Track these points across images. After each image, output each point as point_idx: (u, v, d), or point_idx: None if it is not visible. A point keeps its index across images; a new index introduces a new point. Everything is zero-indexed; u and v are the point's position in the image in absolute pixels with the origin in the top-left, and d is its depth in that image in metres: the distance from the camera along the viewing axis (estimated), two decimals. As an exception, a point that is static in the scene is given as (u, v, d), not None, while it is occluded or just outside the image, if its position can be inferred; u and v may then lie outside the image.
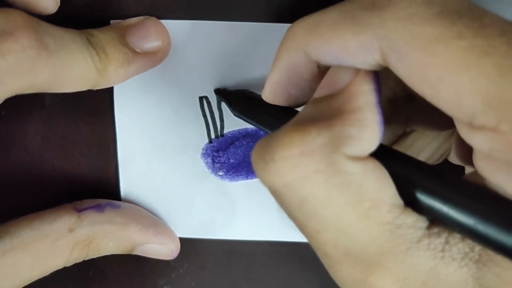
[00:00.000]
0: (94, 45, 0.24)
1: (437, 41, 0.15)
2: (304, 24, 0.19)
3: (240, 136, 0.29)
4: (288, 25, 0.26)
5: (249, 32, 0.27)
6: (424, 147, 0.24)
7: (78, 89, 0.25)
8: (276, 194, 0.18)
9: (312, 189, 0.17)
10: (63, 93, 0.28)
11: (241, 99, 0.25)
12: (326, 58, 0.18)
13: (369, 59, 0.17)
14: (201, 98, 0.28)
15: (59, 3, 0.25)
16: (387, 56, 0.17)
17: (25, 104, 0.29)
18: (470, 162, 0.22)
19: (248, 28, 0.27)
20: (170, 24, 0.27)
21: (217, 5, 0.27)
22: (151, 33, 0.26)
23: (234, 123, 0.29)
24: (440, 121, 0.22)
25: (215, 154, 0.29)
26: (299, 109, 0.22)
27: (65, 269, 0.27)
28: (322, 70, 0.19)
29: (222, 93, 0.27)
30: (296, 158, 0.17)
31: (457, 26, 0.15)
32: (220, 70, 0.28)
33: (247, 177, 0.29)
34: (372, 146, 0.17)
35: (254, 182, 0.30)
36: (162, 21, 0.27)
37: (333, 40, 0.18)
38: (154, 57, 0.26)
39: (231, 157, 0.29)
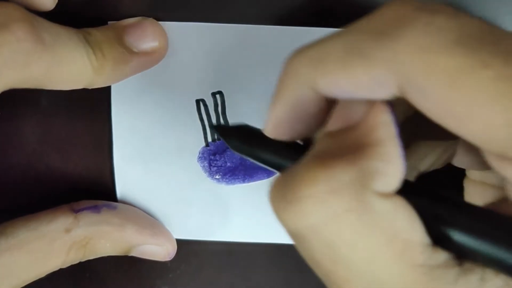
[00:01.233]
0: (91, 43, 0.24)
1: (460, 73, 0.14)
2: (306, 58, 0.17)
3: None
4: (286, 27, 0.27)
5: (246, 35, 0.27)
6: (428, 153, 0.23)
7: (74, 87, 0.25)
8: (299, 237, 0.16)
9: (342, 230, 0.15)
10: (59, 94, 0.28)
11: (241, 135, 0.23)
12: (336, 93, 0.17)
13: (385, 93, 0.16)
14: (198, 101, 0.28)
15: (56, 0, 0.25)
16: (405, 90, 0.15)
17: (21, 105, 0.29)
18: (480, 167, 0.22)
19: (245, 30, 0.27)
20: (168, 26, 0.27)
21: (215, 7, 0.27)
22: (149, 34, 0.26)
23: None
24: (447, 133, 0.22)
25: (212, 157, 0.29)
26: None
27: (61, 271, 0.27)
28: (331, 102, 0.18)
29: (221, 130, 0.26)
30: (324, 196, 0.15)
31: (480, 54, 0.14)
32: (217, 72, 0.28)
33: (243, 181, 0.29)
34: (397, 182, 0.16)
35: (251, 185, 0.30)
36: (160, 22, 0.27)
37: (343, 76, 0.16)
38: (151, 58, 0.27)
39: (228, 161, 0.29)
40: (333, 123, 0.18)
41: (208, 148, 0.29)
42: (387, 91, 0.16)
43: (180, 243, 0.30)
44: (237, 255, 0.30)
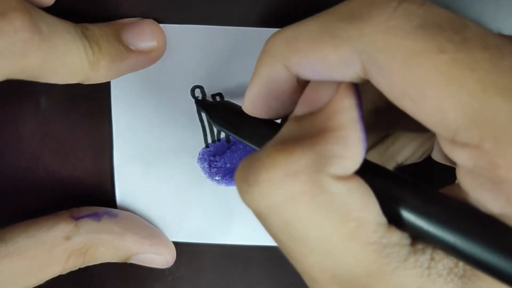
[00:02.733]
0: (88, 38, 0.24)
1: (418, 55, 0.15)
2: (282, 37, 0.18)
3: (236, 141, 0.29)
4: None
5: (245, 37, 0.27)
6: (405, 145, 0.24)
7: (69, 81, 0.24)
8: (261, 217, 0.17)
9: (297, 211, 0.16)
10: (58, 96, 0.28)
11: (222, 111, 0.25)
12: (305, 72, 0.18)
13: (349, 73, 0.17)
14: (197, 102, 0.28)
15: None
16: (367, 70, 0.16)
17: (20, 108, 0.29)
18: (452, 162, 0.22)
19: (244, 33, 0.27)
20: (167, 28, 0.27)
21: (213, 10, 0.27)
22: (147, 33, 0.26)
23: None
24: (420, 125, 0.22)
25: (212, 158, 0.29)
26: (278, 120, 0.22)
27: (60, 275, 0.27)
28: (302, 84, 0.19)
29: (202, 104, 0.27)
30: (281, 180, 0.16)
31: (438, 39, 0.15)
32: (217, 74, 0.28)
33: (243, 182, 0.29)
34: (356, 164, 0.17)
35: (250, 187, 0.30)
36: (160, 25, 0.27)
37: (312, 54, 0.17)
38: (148, 57, 0.26)
39: (227, 162, 0.29)
40: (300, 107, 0.18)
41: (208, 149, 0.29)
42: (352, 72, 0.17)
43: (179, 245, 0.30)
44: (237, 258, 0.31)
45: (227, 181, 0.29)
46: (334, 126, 0.16)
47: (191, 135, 0.29)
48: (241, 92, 0.28)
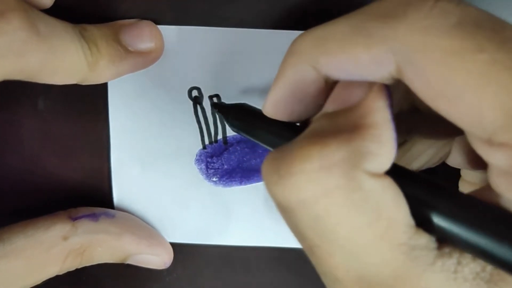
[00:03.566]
0: (87, 39, 0.24)
1: (456, 54, 0.15)
2: (311, 38, 0.18)
3: (234, 142, 0.29)
4: (280, 31, 0.27)
5: (243, 38, 0.27)
6: (422, 151, 0.24)
7: (67, 81, 0.24)
8: (288, 211, 0.17)
9: (330, 206, 0.16)
10: (56, 98, 0.28)
11: (240, 114, 0.24)
12: (336, 73, 0.18)
13: (382, 73, 0.17)
14: (195, 104, 0.28)
15: None
16: (402, 70, 0.16)
17: (18, 109, 0.29)
18: (474, 166, 0.22)
19: (242, 34, 0.27)
20: (165, 30, 0.27)
21: (211, 11, 0.27)
22: (145, 34, 0.26)
23: (228, 129, 0.29)
24: (442, 131, 0.22)
25: (209, 160, 0.29)
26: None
27: (57, 275, 0.27)
28: (330, 85, 0.19)
29: (219, 107, 0.27)
30: (316, 172, 0.16)
31: (477, 38, 0.15)
32: (215, 76, 0.28)
33: (241, 183, 0.29)
34: (388, 163, 0.16)
35: (248, 188, 0.30)
36: (158, 26, 0.27)
37: (344, 55, 0.17)
38: (146, 58, 0.26)
39: (225, 163, 0.29)
40: (331, 104, 0.18)
41: (205, 150, 0.29)
42: (385, 71, 0.16)
43: (177, 246, 0.30)
44: (234, 259, 0.31)
45: (224, 182, 0.29)
46: (369, 124, 0.16)
47: (189, 136, 0.29)
48: (238, 93, 0.28)
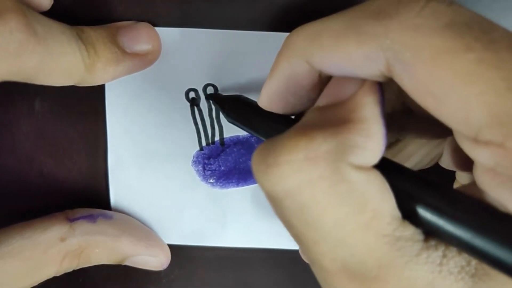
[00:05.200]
0: (84, 40, 0.24)
1: (445, 53, 0.15)
2: (305, 33, 0.18)
3: (231, 144, 0.29)
4: (278, 34, 0.27)
5: (240, 40, 0.27)
6: (414, 151, 0.24)
7: (64, 83, 0.24)
8: (275, 199, 0.17)
9: (315, 195, 0.16)
10: (53, 99, 0.28)
11: (236, 105, 0.25)
12: (329, 68, 0.18)
13: (373, 70, 0.17)
14: (192, 106, 0.28)
15: (53, 0, 0.25)
16: (392, 67, 0.16)
17: (14, 110, 0.29)
18: (463, 168, 0.22)
19: (239, 36, 0.27)
20: (162, 31, 0.27)
21: (208, 13, 0.27)
22: (142, 36, 0.26)
23: (225, 131, 0.29)
24: (434, 131, 0.22)
25: (206, 161, 0.29)
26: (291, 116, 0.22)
27: (54, 277, 0.27)
28: (323, 79, 0.19)
29: (216, 98, 0.27)
30: (301, 163, 0.16)
31: (466, 38, 0.15)
32: (211, 77, 0.28)
33: (237, 185, 0.29)
34: (376, 157, 0.17)
35: (245, 190, 0.30)
36: (155, 28, 0.27)
37: (337, 51, 0.17)
38: (144, 60, 0.26)
39: (222, 165, 0.29)
40: (323, 99, 0.18)
41: (202, 152, 0.29)
42: (376, 68, 0.17)
43: (174, 248, 0.30)
44: (231, 260, 0.31)
45: (221, 184, 0.29)
46: (358, 118, 0.17)
47: (186, 137, 0.29)
48: (235, 94, 0.28)
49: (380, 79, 0.17)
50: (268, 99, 0.21)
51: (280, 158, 0.16)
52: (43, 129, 0.29)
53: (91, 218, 0.28)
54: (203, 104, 0.28)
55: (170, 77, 0.28)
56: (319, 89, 0.19)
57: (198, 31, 0.27)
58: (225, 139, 0.29)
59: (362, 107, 0.17)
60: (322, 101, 0.18)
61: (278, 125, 0.22)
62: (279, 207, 0.17)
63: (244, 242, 0.30)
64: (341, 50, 0.17)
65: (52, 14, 0.25)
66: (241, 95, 0.25)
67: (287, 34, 0.27)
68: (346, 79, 0.18)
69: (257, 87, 0.28)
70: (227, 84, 0.28)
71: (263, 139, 0.22)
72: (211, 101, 0.28)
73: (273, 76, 0.20)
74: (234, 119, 0.25)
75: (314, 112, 0.18)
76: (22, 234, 0.26)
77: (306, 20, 0.27)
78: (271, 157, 0.17)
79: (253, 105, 0.23)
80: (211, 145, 0.29)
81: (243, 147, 0.29)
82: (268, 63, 0.27)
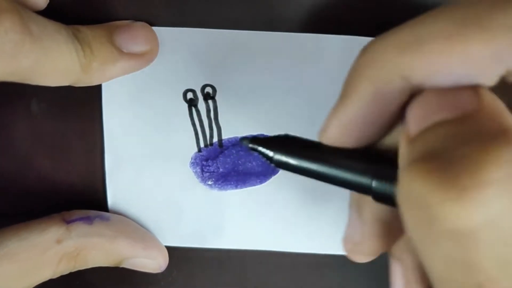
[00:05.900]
0: (80, 40, 0.24)
1: None
2: (395, 44, 0.15)
3: (229, 145, 0.29)
4: (278, 33, 0.27)
5: (239, 40, 0.27)
6: None
7: (60, 83, 0.24)
8: (465, 235, 0.13)
9: None
10: (50, 100, 0.28)
11: (285, 146, 0.20)
12: (437, 79, 0.15)
13: (498, 71, 0.14)
14: (190, 106, 0.28)
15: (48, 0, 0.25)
16: None
17: (11, 111, 0.29)
18: None
19: (238, 36, 0.27)
20: (159, 31, 0.27)
21: (206, 13, 0.27)
22: (139, 36, 0.26)
23: (223, 132, 0.29)
24: None
25: (204, 163, 0.29)
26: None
27: (51, 279, 0.27)
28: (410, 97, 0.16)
29: (258, 142, 0.21)
30: (506, 181, 0.12)
31: None
32: (210, 78, 0.28)
33: (236, 186, 0.29)
34: None
35: (243, 191, 0.29)
36: (153, 27, 0.27)
37: (451, 55, 0.14)
38: (141, 60, 0.26)
39: (220, 166, 0.29)
40: (440, 114, 0.15)
41: (201, 153, 0.29)
42: (502, 68, 0.14)
43: (172, 250, 0.30)
44: (230, 262, 0.30)
45: (219, 186, 0.29)
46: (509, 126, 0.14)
47: (184, 139, 0.29)
48: (234, 95, 0.28)
49: (491, 83, 0.15)
50: (340, 132, 0.17)
51: (481, 177, 0.13)
52: (39, 131, 0.29)
53: (88, 219, 0.28)
54: (201, 105, 0.28)
55: (168, 77, 0.28)
56: (402, 110, 0.16)
57: (196, 30, 0.27)
58: (223, 141, 0.29)
59: (503, 115, 0.14)
60: (438, 116, 0.15)
61: (349, 162, 0.18)
62: (467, 246, 0.13)
63: (243, 244, 0.30)
64: (458, 53, 0.14)
65: (48, 13, 0.24)
66: (287, 134, 0.20)
67: (288, 34, 0.27)
68: (463, 88, 0.15)
69: (257, 88, 0.28)
70: (226, 85, 0.28)
71: (325, 182, 0.19)
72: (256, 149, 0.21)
73: (349, 101, 0.17)
74: (287, 166, 0.20)
75: (440, 128, 0.15)
76: (18, 236, 0.26)
77: (306, 19, 0.27)
78: (464, 178, 0.13)
79: (310, 143, 0.19)
80: (210, 147, 0.29)
81: (242, 148, 0.29)
82: (268, 63, 0.27)
